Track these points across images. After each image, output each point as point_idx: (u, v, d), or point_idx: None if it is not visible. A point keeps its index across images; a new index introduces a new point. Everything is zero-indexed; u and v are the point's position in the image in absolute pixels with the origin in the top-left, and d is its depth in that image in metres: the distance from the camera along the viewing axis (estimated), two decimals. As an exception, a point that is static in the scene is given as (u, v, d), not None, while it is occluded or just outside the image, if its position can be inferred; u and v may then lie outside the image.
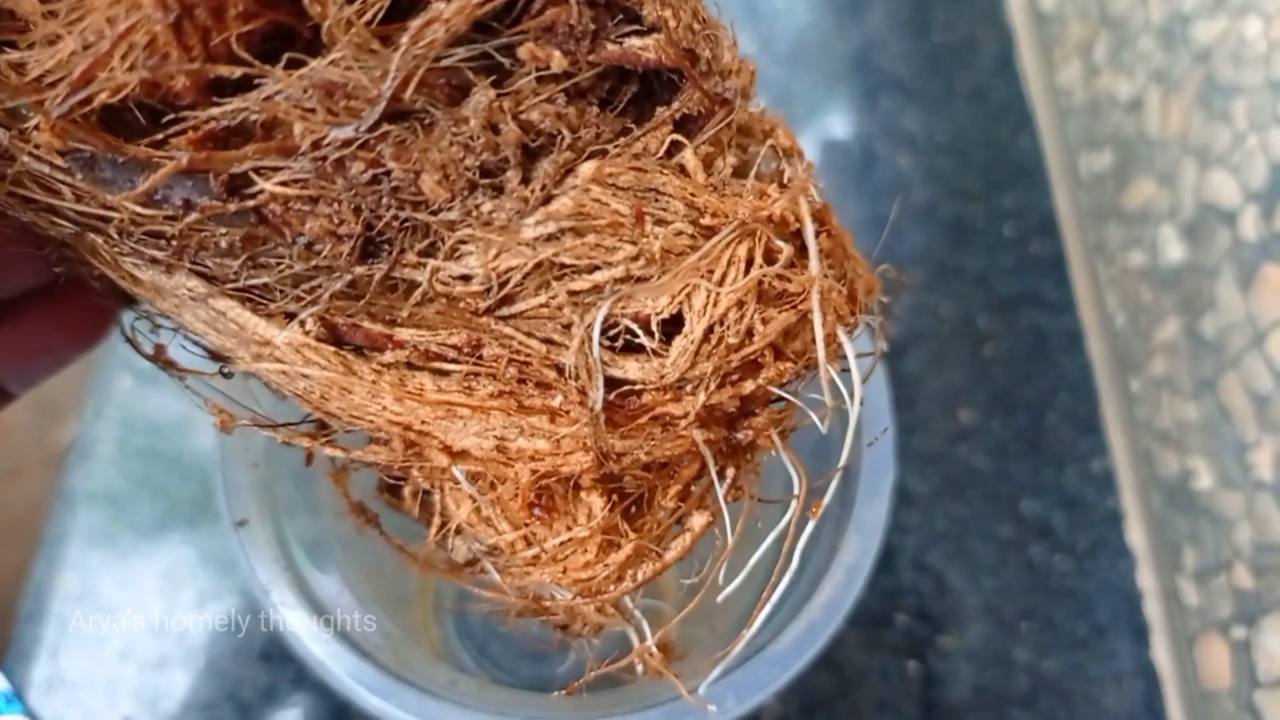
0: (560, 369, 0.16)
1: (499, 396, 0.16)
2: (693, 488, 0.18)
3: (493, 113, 0.15)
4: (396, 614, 0.31)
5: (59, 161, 0.14)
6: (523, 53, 0.15)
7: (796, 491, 0.18)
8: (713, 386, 0.16)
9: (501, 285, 0.16)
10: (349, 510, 0.22)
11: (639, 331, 0.16)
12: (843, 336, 0.18)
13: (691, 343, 0.16)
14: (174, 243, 0.15)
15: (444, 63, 0.14)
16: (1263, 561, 0.36)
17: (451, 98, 0.15)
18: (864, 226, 0.48)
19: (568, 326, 0.16)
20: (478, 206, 0.15)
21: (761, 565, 0.19)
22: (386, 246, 0.15)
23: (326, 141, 0.14)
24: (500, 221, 0.15)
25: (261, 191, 0.14)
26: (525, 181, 0.15)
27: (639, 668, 0.20)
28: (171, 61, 0.13)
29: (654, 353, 0.16)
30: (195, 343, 0.18)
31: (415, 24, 0.14)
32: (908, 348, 0.47)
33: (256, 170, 0.14)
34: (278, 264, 0.15)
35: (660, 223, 0.16)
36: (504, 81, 0.15)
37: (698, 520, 0.19)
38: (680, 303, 0.16)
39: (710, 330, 0.16)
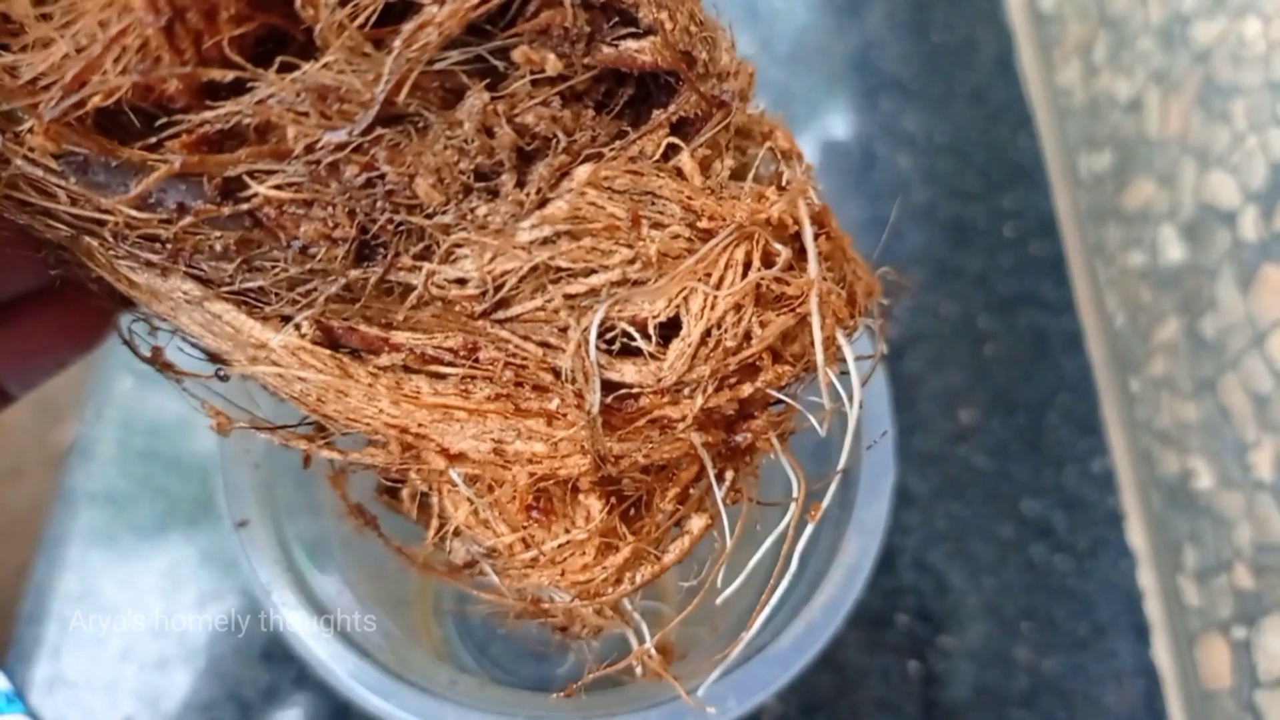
0: (557, 372, 0.16)
1: (496, 399, 0.16)
2: (691, 490, 0.18)
3: (487, 116, 0.15)
4: (397, 614, 0.31)
5: (53, 165, 0.14)
6: (517, 56, 0.15)
7: (796, 494, 0.18)
8: (710, 389, 0.16)
9: (497, 289, 0.16)
10: (347, 512, 0.22)
11: (636, 335, 0.16)
12: (842, 339, 0.18)
13: (689, 346, 0.16)
14: (168, 246, 0.15)
15: (438, 66, 0.14)
16: (1263, 561, 0.36)
17: (445, 101, 0.15)
18: (864, 227, 0.48)
19: (564, 330, 0.16)
20: (473, 210, 0.15)
21: (761, 567, 0.19)
22: (381, 250, 0.15)
23: (320, 145, 0.14)
24: (495, 225, 0.15)
25: (255, 195, 0.14)
26: (520, 185, 0.15)
27: (638, 669, 0.20)
28: (164, 65, 0.13)
29: (651, 356, 0.16)
30: (193, 345, 0.18)
31: (408, 27, 0.14)
32: (908, 348, 0.47)
33: (250, 174, 0.14)
34: (272, 267, 0.15)
35: (657, 226, 0.16)
36: (498, 85, 0.15)
37: (696, 523, 0.19)
38: (677, 306, 0.16)
39: (708, 333, 0.16)
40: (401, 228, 0.15)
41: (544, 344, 0.16)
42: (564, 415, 0.16)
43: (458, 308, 0.16)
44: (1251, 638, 0.37)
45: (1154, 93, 0.46)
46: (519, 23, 0.15)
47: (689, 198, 0.16)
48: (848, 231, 0.19)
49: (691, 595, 0.19)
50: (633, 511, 0.18)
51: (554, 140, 0.15)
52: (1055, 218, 0.51)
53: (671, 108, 0.16)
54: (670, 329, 0.16)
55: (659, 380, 0.16)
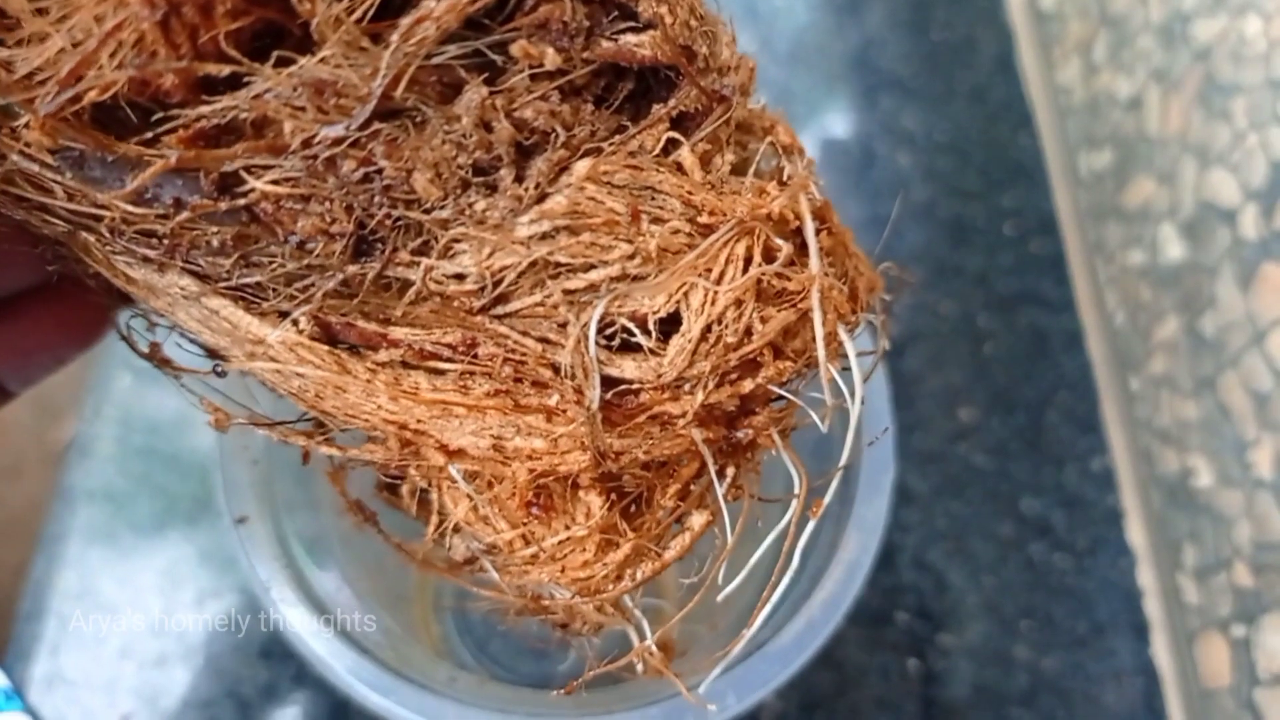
0: (556, 368, 0.16)
1: (495, 395, 0.16)
2: (692, 487, 0.18)
3: (485, 110, 0.14)
4: (396, 611, 0.31)
5: (49, 160, 0.14)
6: (515, 50, 0.15)
7: (797, 490, 0.18)
8: (711, 385, 0.16)
9: (496, 284, 0.16)
10: (347, 508, 0.22)
11: (636, 330, 0.16)
12: (843, 335, 0.17)
13: (689, 341, 0.16)
14: (165, 241, 0.15)
15: (435, 60, 0.14)
16: (1262, 560, 0.36)
17: (443, 95, 0.15)
18: (864, 226, 0.48)
19: (564, 325, 0.16)
20: (471, 205, 0.15)
21: (762, 563, 0.19)
22: (379, 245, 0.15)
23: (317, 140, 0.14)
24: (494, 220, 0.15)
25: (252, 190, 0.14)
26: (519, 180, 0.15)
27: (639, 666, 0.20)
28: (159, 59, 0.13)
29: (651, 352, 0.16)
30: (190, 341, 0.17)
31: (406, 21, 0.14)
32: (908, 346, 0.47)
33: (247, 169, 0.14)
34: (270, 262, 0.15)
35: (657, 221, 0.16)
36: (497, 79, 0.15)
37: (697, 519, 0.18)
38: (678, 301, 0.16)
39: (708, 329, 0.16)
40: (399, 223, 0.15)
41: (543, 340, 0.16)
42: (564, 411, 0.16)
43: (456, 303, 0.16)
44: (1251, 636, 0.37)
45: (1154, 91, 0.46)
46: (517, 17, 0.15)
47: (689, 193, 0.16)
48: (848, 229, 0.19)
49: (692, 592, 0.19)
50: (633, 508, 0.18)
51: (553, 135, 0.15)
52: (1055, 216, 0.51)
53: (671, 102, 0.16)
54: (670, 325, 0.16)
55: (659, 376, 0.16)
